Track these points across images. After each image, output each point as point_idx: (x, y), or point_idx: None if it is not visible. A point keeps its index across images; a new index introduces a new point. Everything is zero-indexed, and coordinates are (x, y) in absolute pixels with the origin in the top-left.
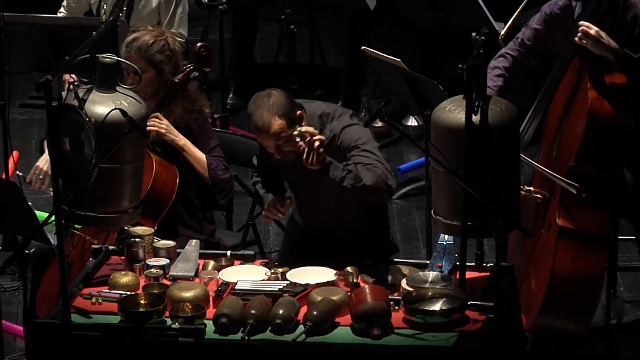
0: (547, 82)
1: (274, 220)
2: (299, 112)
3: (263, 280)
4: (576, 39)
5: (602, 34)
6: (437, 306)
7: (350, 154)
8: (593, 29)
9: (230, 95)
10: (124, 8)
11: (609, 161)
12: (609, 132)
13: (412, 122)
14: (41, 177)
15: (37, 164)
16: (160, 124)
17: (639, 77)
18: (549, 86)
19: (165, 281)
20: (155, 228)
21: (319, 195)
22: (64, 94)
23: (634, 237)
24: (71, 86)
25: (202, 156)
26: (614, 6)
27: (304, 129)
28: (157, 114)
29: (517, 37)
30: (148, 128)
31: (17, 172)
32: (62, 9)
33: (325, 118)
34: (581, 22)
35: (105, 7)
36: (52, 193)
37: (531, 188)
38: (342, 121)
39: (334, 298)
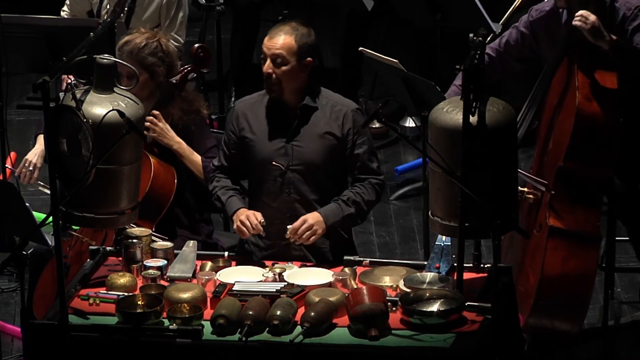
0: (538, 82)
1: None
2: (310, 59)
3: (260, 281)
4: (575, 22)
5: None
6: (434, 307)
7: (357, 149)
8: (592, 17)
9: (233, 99)
10: (125, 9)
11: (598, 160)
12: (597, 131)
13: (410, 123)
14: (30, 169)
15: (27, 156)
16: (154, 127)
17: (631, 69)
18: (539, 87)
19: (162, 282)
20: (153, 229)
21: (302, 160)
22: (61, 94)
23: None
24: (68, 87)
25: (197, 159)
26: (601, 11)
27: (291, 231)
28: (157, 113)
29: (502, 37)
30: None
31: (7, 166)
32: (65, 8)
33: (324, 91)
34: (580, 12)
35: (108, 7)
36: (40, 187)
37: (524, 189)
38: (349, 101)
39: (331, 299)
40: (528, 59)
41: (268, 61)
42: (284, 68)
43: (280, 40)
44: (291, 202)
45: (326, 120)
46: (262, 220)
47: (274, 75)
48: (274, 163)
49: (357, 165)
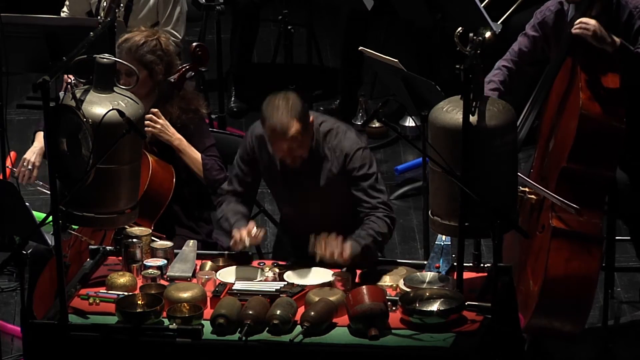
0: (540, 82)
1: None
2: (311, 117)
3: (260, 280)
4: (575, 31)
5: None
6: (434, 307)
7: (359, 187)
8: (591, 22)
9: (233, 99)
10: (121, 5)
11: (602, 161)
12: (601, 132)
13: (410, 122)
14: (30, 167)
15: (25, 155)
16: (155, 124)
17: (634, 72)
18: (542, 86)
19: (162, 282)
20: (152, 228)
21: (307, 207)
22: (61, 94)
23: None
24: (68, 86)
25: (197, 156)
26: (607, 7)
27: (325, 250)
28: (156, 110)
29: (514, 47)
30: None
31: (8, 165)
32: (64, 9)
33: (329, 136)
34: (580, 20)
35: (104, 4)
36: (39, 187)
37: (526, 189)
38: (352, 140)
39: (331, 299)
40: (539, 61)
41: (287, 151)
42: (301, 151)
43: (290, 130)
44: (315, 207)
45: (331, 163)
46: (258, 232)
47: (296, 153)
48: (284, 211)
49: (359, 203)
